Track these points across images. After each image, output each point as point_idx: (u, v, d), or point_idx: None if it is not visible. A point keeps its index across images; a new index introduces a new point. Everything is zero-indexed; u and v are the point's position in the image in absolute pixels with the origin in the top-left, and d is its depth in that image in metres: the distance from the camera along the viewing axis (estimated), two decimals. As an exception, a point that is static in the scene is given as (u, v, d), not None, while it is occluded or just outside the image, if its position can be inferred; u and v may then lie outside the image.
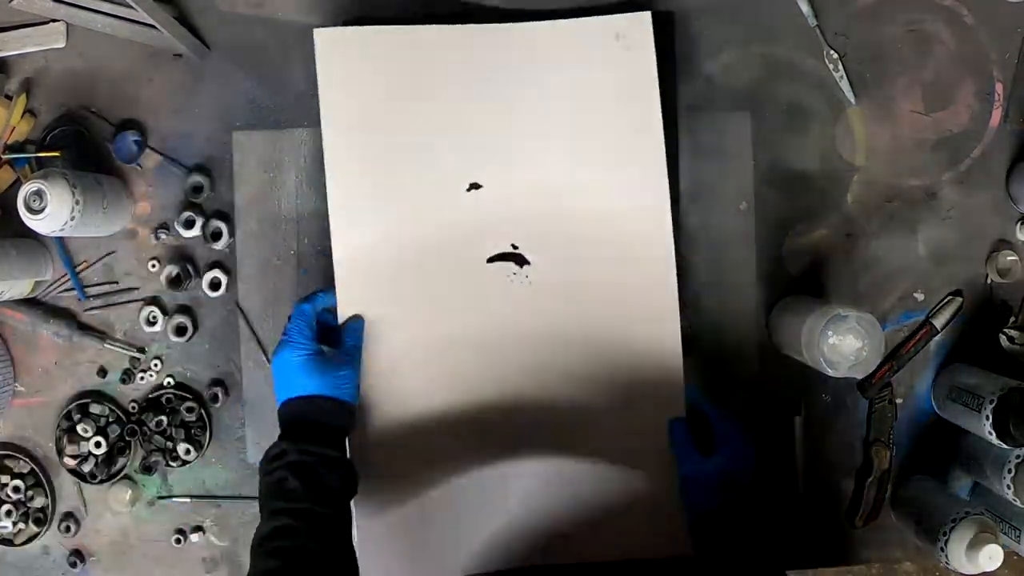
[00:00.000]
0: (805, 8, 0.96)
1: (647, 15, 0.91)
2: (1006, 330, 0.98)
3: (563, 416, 0.90)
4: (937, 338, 0.99)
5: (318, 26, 0.91)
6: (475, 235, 0.91)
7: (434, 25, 0.92)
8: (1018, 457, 0.89)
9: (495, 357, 0.91)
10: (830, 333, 0.85)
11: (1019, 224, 0.99)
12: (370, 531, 0.88)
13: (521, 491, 0.88)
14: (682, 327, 0.91)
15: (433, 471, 0.89)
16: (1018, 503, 0.89)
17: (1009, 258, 0.98)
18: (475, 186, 0.91)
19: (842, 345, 0.85)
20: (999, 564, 0.86)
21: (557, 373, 0.91)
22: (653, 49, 0.91)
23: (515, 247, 0.92)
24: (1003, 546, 0.86)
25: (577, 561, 0.87)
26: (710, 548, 0.83)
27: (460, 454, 0.89)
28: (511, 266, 0.92)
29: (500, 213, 0.91)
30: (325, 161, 0.90)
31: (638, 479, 0.88)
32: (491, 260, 0.92)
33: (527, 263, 0.92)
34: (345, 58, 0.91)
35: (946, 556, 0.88)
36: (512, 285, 0.92)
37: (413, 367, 0.91)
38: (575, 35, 0.92)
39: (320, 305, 0.88)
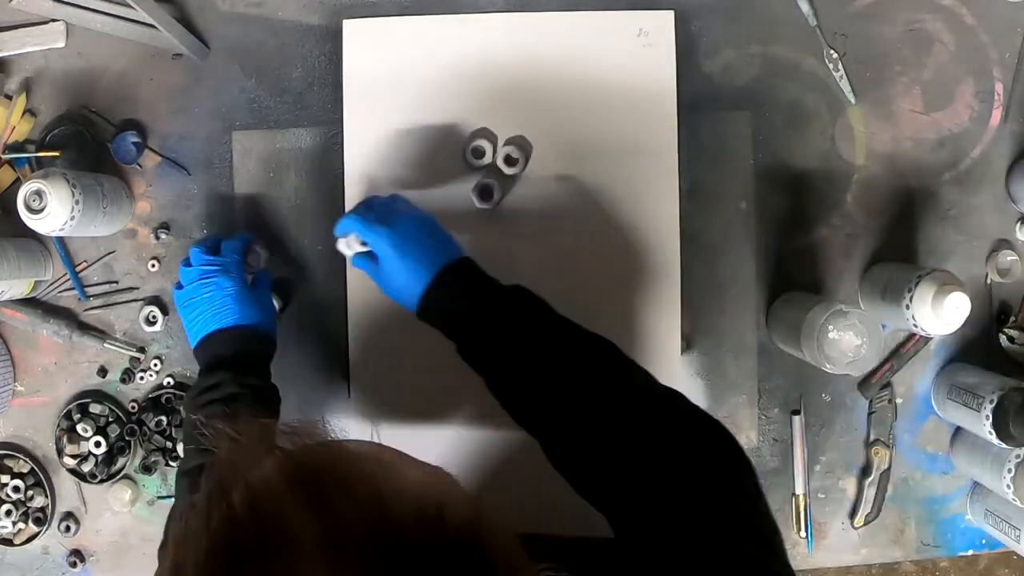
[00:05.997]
0: (805, 8, 0.96)
1: (670, 14, 0.94)
2: (1006, 330, 0.98)
3: None
4: (937, 338, 0.99)
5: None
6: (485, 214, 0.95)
7: (458, 15, 0.95)
8: (1018, 457, 0.89)
9: None
10: (831, 328, 0.85)
11: (1019, 224, 0.99)
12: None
13: (498, 457, 0.93)
14: (682, 326, 0.92)
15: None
16: (1018, 503, 0.89)
17: (1009, 258, 0.98)
18: None
19: (841, 341, 0.85)
20: (967, 313, 0.83)
21: None
22: (673, 46, 0.94)
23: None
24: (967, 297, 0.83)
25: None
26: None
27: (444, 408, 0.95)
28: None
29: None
30: (344, 145, 0.94)
31: None
32: (502, 243, 0.95)
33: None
34: (371, 47, 0.94)
35: (912, 317, 0.87)
36: None
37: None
38: (598, 27, 0.94)
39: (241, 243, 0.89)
